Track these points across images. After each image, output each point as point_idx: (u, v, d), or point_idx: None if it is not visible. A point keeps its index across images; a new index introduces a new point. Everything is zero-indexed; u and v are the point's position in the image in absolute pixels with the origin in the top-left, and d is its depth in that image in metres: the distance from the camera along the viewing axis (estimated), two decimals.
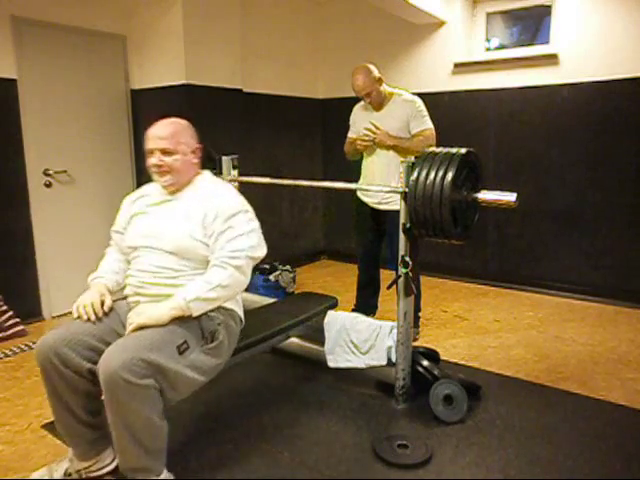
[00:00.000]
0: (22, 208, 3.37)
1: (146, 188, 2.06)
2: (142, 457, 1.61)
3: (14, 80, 3.28)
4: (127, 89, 3.96)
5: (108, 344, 1.62)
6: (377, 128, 2.95)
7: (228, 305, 1.90)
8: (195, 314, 1.72)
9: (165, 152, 1.86)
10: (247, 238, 1.82)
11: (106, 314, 1.80)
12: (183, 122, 1.95)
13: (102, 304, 1.81)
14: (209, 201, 1.86)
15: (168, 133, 1.87)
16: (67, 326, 1.74)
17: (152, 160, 1.87)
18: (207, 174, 2.02)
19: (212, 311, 1.82)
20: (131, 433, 1.57)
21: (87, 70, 3.67)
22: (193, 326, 1.74)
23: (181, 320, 1.71)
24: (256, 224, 1.91)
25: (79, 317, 1.76)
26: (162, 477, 1.68)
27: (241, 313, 2.01)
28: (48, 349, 1.66)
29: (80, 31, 3.57)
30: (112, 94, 3.89)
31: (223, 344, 1.82)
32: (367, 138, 2.97)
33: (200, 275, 1.81)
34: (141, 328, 1.66)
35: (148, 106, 3.92)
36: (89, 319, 1.75)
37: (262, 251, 1.89)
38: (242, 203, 1.92)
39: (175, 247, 1.82)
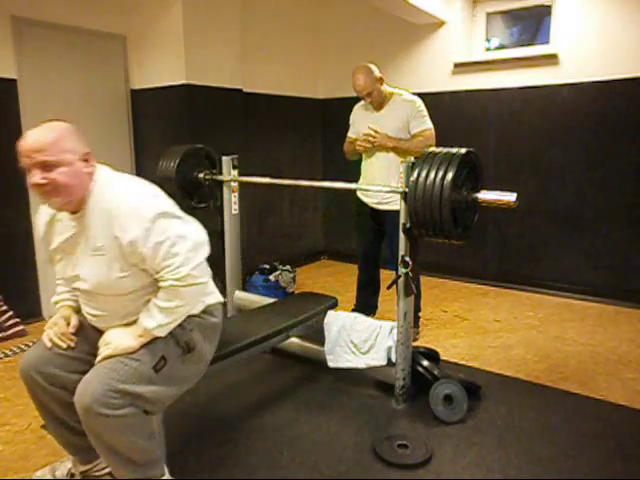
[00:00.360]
0: (22, 208, 3.37)
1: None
2: (136, 471, 1.59)
3: (14, 80, 3.28)
4: (127, 89, 3.96)
5: (96, 350, 1.61)
6: (376, 132, 2.94)
7: (197, 309, 1.71)
8: (164, 335, 1.61)
9: (46, 166, 1.49)
10: (181, 246, 1.53)
11: (76, 334, 1.71)
12: (64, 125, 1.57)
13: (69, 324, 1.72)
14: (117, 225, 1.51)
15: (46, 142, 1.49)
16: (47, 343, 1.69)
17: (32, 179, 1.49)
18: (102, 177, 1.60)
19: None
20: (118, 456, 1.55)
21: (87, 70, 3.67)
22: (167, 339, 1.63)
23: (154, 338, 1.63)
24: (181, 220, 1.59)
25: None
26: (164, 479, 1.68)
27: (216, 299, 1.81)
28: (31, 368, 1.64)
29: (80, 31, 3.57)
30: (112, 94, 3.89)
31: (202, 349, 1.72)
32: (367, 144, 2.97)
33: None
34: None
35: (148, 106, 3.93)
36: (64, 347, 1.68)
37: (204, 248, 1.61)
38: (154, 205, 1.56)
39: (111, 291, 1.61)
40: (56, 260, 1.70)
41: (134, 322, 1.62)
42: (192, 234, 1.58)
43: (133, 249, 1.51)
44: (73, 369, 1.66)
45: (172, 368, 1.62)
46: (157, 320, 1.57)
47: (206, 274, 1.64)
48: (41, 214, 1.72)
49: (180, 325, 1.65)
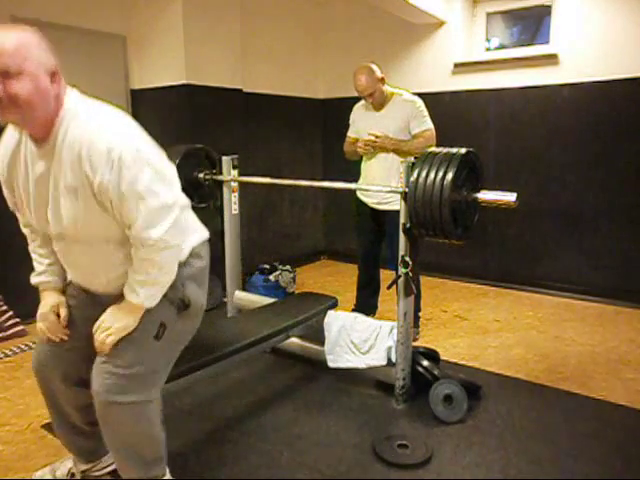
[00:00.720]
0: None
1: (13, 136, 1.47)
2: (143, 468, 1.59)
3: None
4: (127, 89, 3.95)
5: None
6: (377, 136, 2.94)
7: (183, 255, 1.57)
8: (156, 303, 1.51)
9: (5, 74, 1.24)
10: (152, 202, 1.36)
11: (67, 326, 1.62)
12: (30, 30, 1.33)
13: (59, 316, 1.62)
14: (87, 162, 1.32)
15: (6, 46, 1.24)
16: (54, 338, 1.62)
17: None
18: (72, 104, 1.40)
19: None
20: (130, 450, 1.55)
21: (87, 70, 3.67)
22: (162, 303, 1.53)
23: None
24: (157, 172, 1.39)
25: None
26: (165, 479, 1.68)
27: (201, 238, 1.65)
28: (43, 367, 1.62)
29: (80, 31, 3.57)
30: (112, 94, 3.88)
31: (197, 300, 1.61)
32: (368, 148, 2.97)
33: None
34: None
35: (148, 106, 3.92)
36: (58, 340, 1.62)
37: (177, 208, 1.44)
38: (130, 147, 1.35)
39: (87, 235, 1.45)
40: (22, 206, 1.52)
41: (121, 276, 1.52)
42: (165, 192, 1.40)
43: (102, 192, 1.35)
44: (83, 361, 1.60)
45: (172, 331, 1.56)
46: (141, 294, 1.48)
47: (180, 233, 1.48)
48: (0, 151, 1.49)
49: (171, 284, 1.54)
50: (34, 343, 1.73)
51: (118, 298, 1.53)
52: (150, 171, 1.37)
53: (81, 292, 1.65)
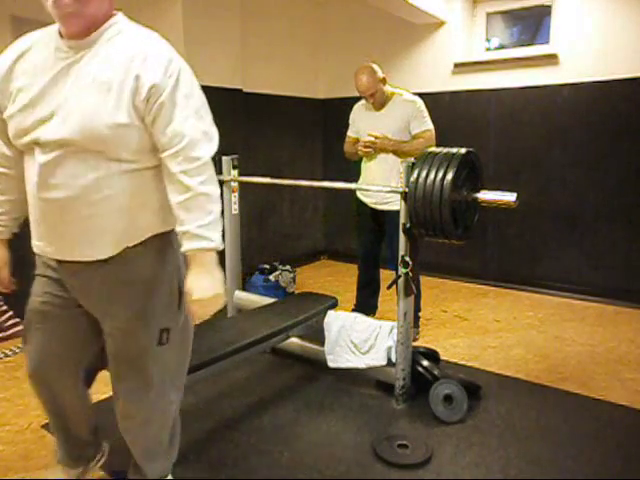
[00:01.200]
0: None
1: (30, 38, 1.35)
2: (166, 460, 1.65)
3: None
4: None
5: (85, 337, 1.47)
6: (376, 137, 2.94)
7: (167, 224, 1.40)
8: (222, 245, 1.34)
9: None
10: (203, 120, 1.33)
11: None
12: None
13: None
14: (141, 62, 1.24)
15: None
16: (42, 343, 1.48)
17: None
18: (123, 17, 1.42)
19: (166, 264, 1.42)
20: (160, 446, 1.60)
21: None
22: (156, 304, 1.40)
23: (148, 312, 1.39)
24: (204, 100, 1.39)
25: None
26: (168, 479, 1.68)
27: (171, 224, 1.40)
28: (39, 375, 1.52)
29: None
30: None
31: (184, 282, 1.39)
32: (368, 150, 2.97)
33: (130, 174, 1.29)
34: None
35: None
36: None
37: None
38: (184, 64, 1.34)
39: (94, 143, 1.23)
40: (12, 109, 1.29)
41: (129, 231, 1.33)
42: (211, 123, 1.37)
43: (152, 95, 1.23)
44: (80, 365, 1.54)
45: (176, 331, 1.46)
46: (215, 237, 1.28)
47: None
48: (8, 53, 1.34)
49: (162, 266, 1.40)
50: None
51: (108, 282, 1.36)
52: (202, 96, 1.35)
53: (59, 289, 1.44)
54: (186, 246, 1.30)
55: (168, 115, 1.25)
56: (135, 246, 1.36)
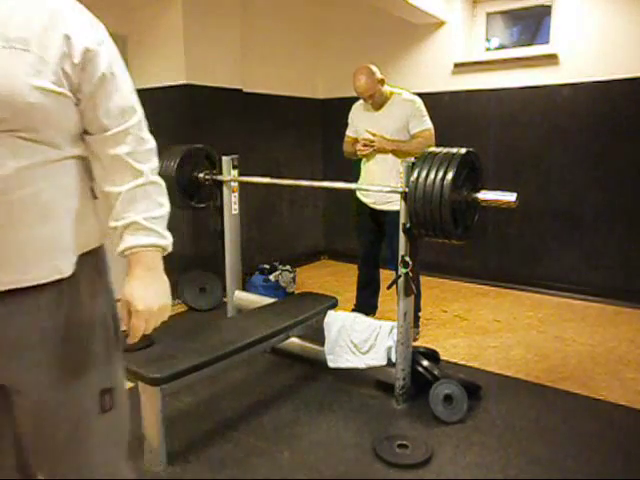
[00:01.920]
0: None
1: None
2: None
3: None
4: None
5: None
6: (374, 135, 2.94)
7: (96, 240, 1.09)
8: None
9: None
10: (138, 104, 1.08)
11: None
12: None
13: None
14: (70, 23, 0.96)
15: None
16: None
17: None
18: None
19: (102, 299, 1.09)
20: None
21: None
22: (99, 346, 1.07)
23: (82, 367, 1.04)
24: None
25: None
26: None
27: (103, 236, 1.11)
28: None
29: None
30: None
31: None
32: (367, 149, 2.97)
33: (61, 164, 0.98)
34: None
35: (148, 106, 3.91)
36: None
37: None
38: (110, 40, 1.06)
39: (12, 113, 0.89)
40: None
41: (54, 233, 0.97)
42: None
43: (85, 61, 0.96)
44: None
45: (121, 387, 1.13)
46: (167, 234, 1.07)
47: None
48: None
49: (94, 299, 1.06)
50: None
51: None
52: (127, 72, 1.08)
53: None
54: (128, 242, 1.02)
55: (113, 87, 1.01)
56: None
